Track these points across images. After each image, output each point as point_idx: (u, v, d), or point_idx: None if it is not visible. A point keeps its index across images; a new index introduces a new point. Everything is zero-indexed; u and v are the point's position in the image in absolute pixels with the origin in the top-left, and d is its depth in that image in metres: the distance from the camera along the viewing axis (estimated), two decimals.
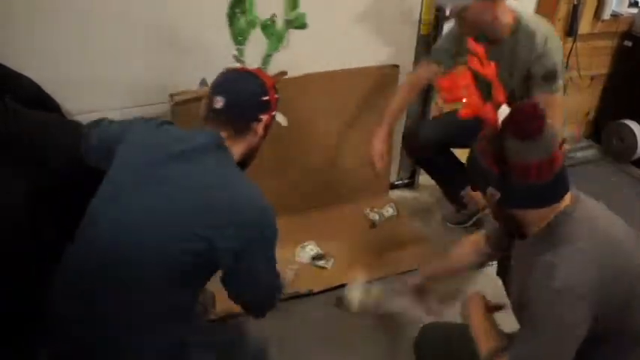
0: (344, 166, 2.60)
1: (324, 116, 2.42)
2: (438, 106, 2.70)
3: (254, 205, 1.31)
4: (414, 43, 2.47)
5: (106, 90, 1.99)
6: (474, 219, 2.63)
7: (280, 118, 1.54)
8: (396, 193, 2.86)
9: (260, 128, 1.41)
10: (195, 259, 1.25)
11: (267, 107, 1.42)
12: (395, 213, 2.67)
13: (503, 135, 1.16)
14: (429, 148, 2.39)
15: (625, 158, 3.24)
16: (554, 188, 1.19)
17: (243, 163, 1.44)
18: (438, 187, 2.83)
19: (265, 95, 1.41)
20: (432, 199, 2.85)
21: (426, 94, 2.64)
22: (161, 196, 1.27)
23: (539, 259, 1.18)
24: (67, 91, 1.87)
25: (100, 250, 1.26)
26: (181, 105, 2.00)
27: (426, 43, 2.47)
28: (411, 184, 2.93)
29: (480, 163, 1.21)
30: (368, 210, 2.66)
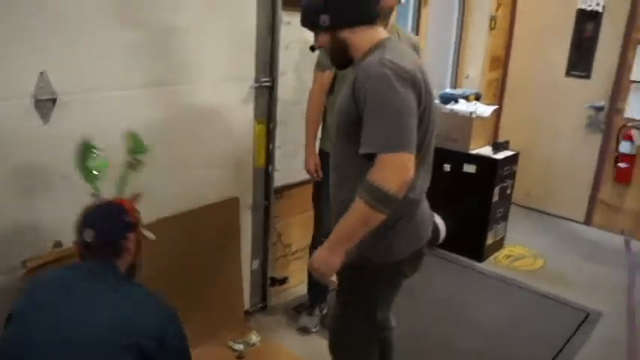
0: (199, 302, 2.60)
1: (172, 258, 2.42)
2: None
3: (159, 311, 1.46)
4: (251, 176, 2.72)
5: None
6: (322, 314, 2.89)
7: (147, 234, 1.69)
8: (253, 320, 2.92)
9: (131, 245, 1.58)
10: None
11: (132, 226, 1.60)
12: (259, 338, 2.71)
13: None
14: None
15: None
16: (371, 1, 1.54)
17: (131, 276, 1.59)
18: (288, 304, 3.02)
19: (127, 216, 1.60)
20: (287, 315, 2.97)
21: None
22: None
23: (367, 60, 1.48)
24: None
25: None
26: (35, 271, 1.87)
27: (263, 174, 2.77)
28: (264, 308, 3.03)
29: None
30: (231, 342, 2.66)
